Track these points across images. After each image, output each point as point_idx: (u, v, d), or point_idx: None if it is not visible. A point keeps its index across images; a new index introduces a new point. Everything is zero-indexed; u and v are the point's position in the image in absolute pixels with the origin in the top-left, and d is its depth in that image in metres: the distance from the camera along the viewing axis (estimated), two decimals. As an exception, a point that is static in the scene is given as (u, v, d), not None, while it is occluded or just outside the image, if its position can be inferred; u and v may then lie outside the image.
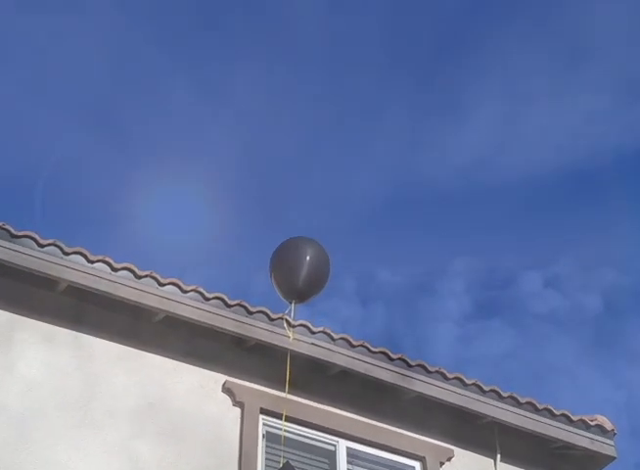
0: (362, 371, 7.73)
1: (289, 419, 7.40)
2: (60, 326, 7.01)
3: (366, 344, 7.79)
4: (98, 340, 7.10)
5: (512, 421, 8.23)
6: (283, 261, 7.52)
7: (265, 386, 7.51)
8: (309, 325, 7.60)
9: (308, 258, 7.49)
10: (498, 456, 8.26)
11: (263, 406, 7.43)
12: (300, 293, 7.49)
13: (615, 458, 8.55)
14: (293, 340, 7.41)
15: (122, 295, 7.06)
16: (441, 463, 8.01)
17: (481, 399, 8.14)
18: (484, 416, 8.18)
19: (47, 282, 6.97)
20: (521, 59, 18.40)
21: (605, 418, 8.53)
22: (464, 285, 21.53)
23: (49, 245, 6.94)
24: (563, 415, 8.46)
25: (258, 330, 7.41)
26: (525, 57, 18.34)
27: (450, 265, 21.05)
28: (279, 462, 7.14)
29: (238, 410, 7.36)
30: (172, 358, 7.31)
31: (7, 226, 6.82)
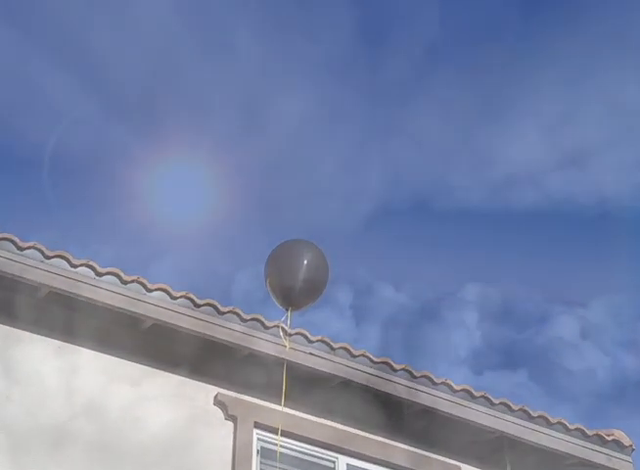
0: (363, 383, 7.33)
1: (285, 434, 7.02)
2: (41, 335, 6.64)
3: (367, 354, 7.39)
4: (81, 349, 6.73)
5: (523, 436, 7.82)
6: (279, 266, 7.12)
7: (260, 398, 7.13)
8: (307, 334, 7.20)
9: (306, 262, 7.09)
10: None
11: (258, 420, 7.06)
12: (297, 299, 7.08)
13: None
14: (289, 349, 7.02)
15: (107, 301, 6.68)
16: (448, 481, 7.64)
17: (490, 412, 7.73)
18: (493, 431, 7.76)
19: (27, 288, 6.59)
20: (590, 60, 15.87)
21: (622, 433, 8.09)
22: (477, 316, 18.76)
23: (29, 248, 6.57)
24: (577, 430, 8.03)
25: (252, 339, 7.02)
26: (595, 58, 15.81)
27: (461, 291, 18.59)
28: (274, 480, 6.79)
29: (231, 424, 6.99)
30: (161, 369, 6.92)
31: (-17, 229, 6.46)
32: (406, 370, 7.50)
